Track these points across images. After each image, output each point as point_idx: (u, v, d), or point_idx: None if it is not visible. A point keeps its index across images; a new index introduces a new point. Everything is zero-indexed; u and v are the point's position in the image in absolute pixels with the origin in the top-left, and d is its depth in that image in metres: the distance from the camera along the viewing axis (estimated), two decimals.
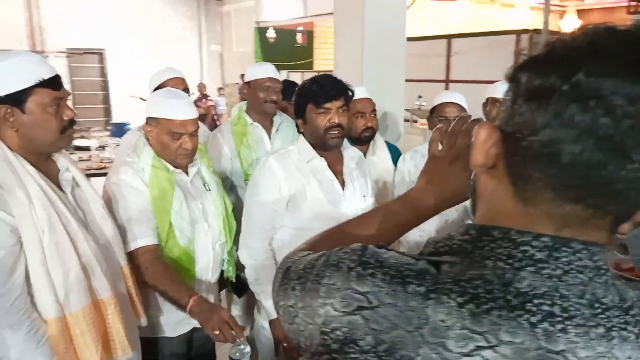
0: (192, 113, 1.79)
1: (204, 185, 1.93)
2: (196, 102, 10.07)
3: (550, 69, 0.49)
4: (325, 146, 1.81)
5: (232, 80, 13.56)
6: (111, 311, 1.44)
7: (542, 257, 0.51)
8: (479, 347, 0.49)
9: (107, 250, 1.51)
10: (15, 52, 1.31)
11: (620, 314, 0.51)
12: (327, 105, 1.75)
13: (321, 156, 1.82)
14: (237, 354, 1.48)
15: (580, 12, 13.29)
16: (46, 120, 1.32)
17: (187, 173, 1.87)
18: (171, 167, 1.80)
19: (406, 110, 5.89)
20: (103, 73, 13.00)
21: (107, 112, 12.99)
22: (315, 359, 0.57)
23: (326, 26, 11.66)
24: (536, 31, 6.93)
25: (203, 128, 2.67)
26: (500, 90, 2.59)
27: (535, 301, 0.50)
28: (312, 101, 1.76)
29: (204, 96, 11.22)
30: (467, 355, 0.49)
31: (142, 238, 1.68)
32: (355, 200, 1.87)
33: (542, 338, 0.49)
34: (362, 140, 2.41)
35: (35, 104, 1.29)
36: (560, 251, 0.51)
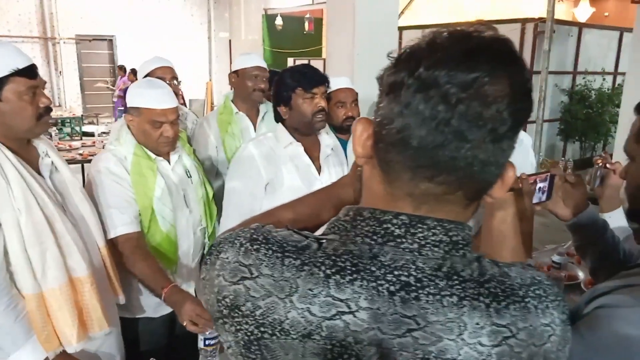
0: (172, 102, 1.85)
1: (186, 173, 2.00)
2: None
3: (400, 66, 0.56)
4: (312, 130, 1.88)
5: None
6: (87, 289, 1.53)
7: (400, 233, 0.58)
8: (341, 312, 0.55)
9: (85, 231, 1.59)
10: None
11: (475, 286, 0.57)
12: (315, 90, 1.82)
13: (298, 142, 1.88)
14: (202, 344, 1.53)
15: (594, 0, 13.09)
16: (22, 107, 1.39)
17: (169, 161, 1.95)
18: (153, 155, 1.87)
19: None
20: (112, 60, 13.12)
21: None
22: (215, 325, 0.65)
23: None
24: (541, 20, 6.86)
25: (192, 116, 2.75)
26: None
27: (396, 272, 0.56)
28: (301, 86, 1.82)
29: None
30: (329, 319, 0.55)
31: (122, 226, 1.76)
32: None
33: (398, 304, 0.55)
34: (344, 129, 2.47)
35: (11, 92, 1.37)
36: (416, 227, 0.58)
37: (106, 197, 1.76)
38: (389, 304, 0.55)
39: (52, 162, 1.58)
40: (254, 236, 0.63)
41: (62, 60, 12.24)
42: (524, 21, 7.14)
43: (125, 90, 9.22)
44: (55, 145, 5.36)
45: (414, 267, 0.57)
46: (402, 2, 10.57)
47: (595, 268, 1.29)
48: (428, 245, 0.58)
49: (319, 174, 1.93)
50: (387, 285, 0.56)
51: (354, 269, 0.57)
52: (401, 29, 8.90)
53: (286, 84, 1.85)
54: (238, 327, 0.59)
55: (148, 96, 1.81)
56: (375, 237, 0.59)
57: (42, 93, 1.45)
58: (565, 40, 7.44)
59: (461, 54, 0.54)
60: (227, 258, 0.63)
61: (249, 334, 0.58)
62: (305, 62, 10.21)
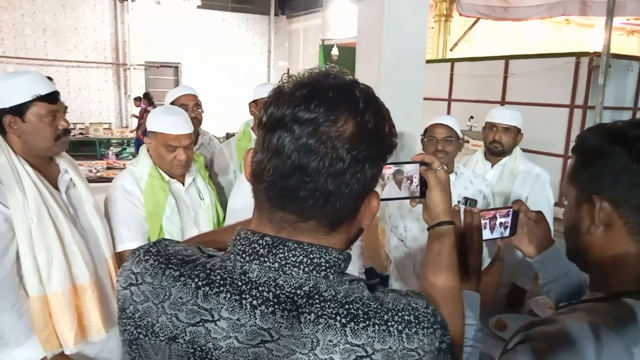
0: (187, 128, 2.00)
1: (199, 195, 2.13)
2: None
3: (264, 106, 0.65)
4: None
5: None
6: (89, 296, 1.67)
7: (264, 252, 0.65)
8: (204, 320, 0.63)
9: (93, 242, 1.75)
10: (21, 72, 1.59)
11: (335, 306, 0.62)
12: None
13: None
14: None
15: None
16: (42, 128, 1.58)
17: (183, 182, 2.09)
18: (167, 177, 2.02)
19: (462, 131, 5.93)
20: (177, 85, 13.87)
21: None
22: None
23: None
24: (596, 54, 6.65)
25: (216, 141, 2.91)
26: (498, 115, 2.62)
27: (260, 288, 0.63)
28: None
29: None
30: (193, 325, 0.63)
31: (129, 242, 1.89)
32: None
33: (258, 317, 0.62)
34: None
35: (33, 115, 1.56)
36: (277, 248, 0.64)
37: (117, 213, 1.91)
38: (249, 316, 0.62)
39: (71, 179, 1.75)
40: (150, 248, 0.72)
41: (131, 85, 13.10)
42: (578, 55, 6.94)
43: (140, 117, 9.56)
44: (113, 163, 5.76)
45: (274, 284, 0.63)
46: (457, 33, 10.56)
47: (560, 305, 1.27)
48: (288, 265, 0.64)
49: None
50: (250, 299, 0.63)
51: (222, 282, 0.64)
52: (453, 60, 8.92)
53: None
54: (123, 328, 0.68)
55: (165, 121, 1.97)
56: (244, 255, 0.66)
57: (61, 116, 1.64)
58: (624, 75, 7.14)
59: (307, 96, 0.62)
60: (125, 266, 0.72)
61: (129, 334, 0.67)
62: None
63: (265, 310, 0.62)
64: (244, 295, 0.63)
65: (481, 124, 6.10)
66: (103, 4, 12.75)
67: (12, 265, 1.53)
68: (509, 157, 2.64)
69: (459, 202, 2.42)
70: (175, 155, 1.97)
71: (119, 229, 1.90)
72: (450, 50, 10.17)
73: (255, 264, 0.65)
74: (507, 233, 1.26)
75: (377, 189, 1.04)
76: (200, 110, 2.59)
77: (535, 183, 2.59)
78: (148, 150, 2.05)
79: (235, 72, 13.91)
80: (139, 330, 0.66)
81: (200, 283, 0.64)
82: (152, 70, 13.46)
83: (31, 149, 1.61)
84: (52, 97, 1.60)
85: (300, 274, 0.64)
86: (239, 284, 0.64)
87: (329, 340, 0.60)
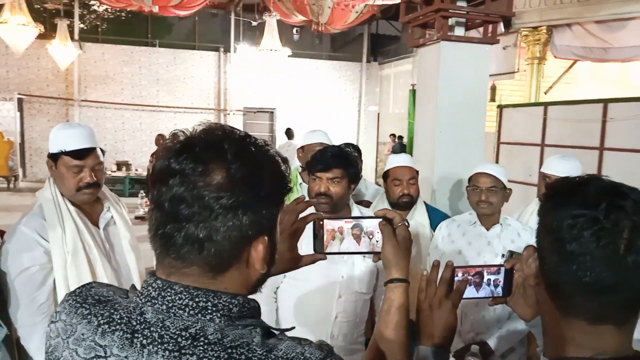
0: None
1: None
2: None
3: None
4: (316, 209, 1.96)
5: (385, 139, 14.05)
6: None
7: (155, 295, 0.69)
8: (98, 356, 0.68)
9: (125, 277, 1.89)
10: (73, 125, 1.79)
11: (218, 349, 0.64)
12: (319, 174, 1.92)
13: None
14: None
15: None
16: (66, 178, 1.75)
17: None
18: None
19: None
20: (272, 129, 14.61)
21: None
22: None
23: None
24: None
25: None
26: (553, 166, 2.45)
27: (152, 329, 0.67)
28: (309, 169, 1.96)
29: None
30: None
31: None
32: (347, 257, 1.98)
33: (145, 356, 0.66)
34: (400, 206, 2.50)
35: (62, 165, 1.75)
36: (166, 291, 0.68)
37: None
38: (138, 355, 0.66)
39: (112, 217, 1.93)
40: (78, 290, 0.79)
41: None
42: None
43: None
44: None
45: (161, 325, 0.67)
46: (554, 75, 10.06)
47: None
48: (174, 308, 0.68)
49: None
50: (142, 338, 0.67)
51: (120, 321, 0.69)
52: (546, 104, 8.48)
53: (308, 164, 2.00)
54: None
55: None
56: (141, 297, 0.71)
57: (87, 172, 1.76)
58: None
59: (178, 150, 0.68)
60: (58, 306, 0.79)
61: None
62: None
63: (152, 350, 0.66)
64: (136, 335, 0.67)
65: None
66: (209, 56, 13.95)
67: (49, 294, 1.71)
68: None
69: (503, 254, 2.28)
70: None
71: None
72: (545, 93, 9.67)
73: (148, 305, 0.69)
74: (499, 292, 1.18)
75: (335, 241, 1.05)
76: None
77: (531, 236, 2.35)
78: None
79: (327, 117, 14.35)
80: None
81: (102, 321, 0.70)
82: (249, 115, 14.33)
83: (64, 192, 1.79)
84: (76, 154, 1.74)
85: (186, 317, 0.67)
86: (134, 323, 0.68)
87: None
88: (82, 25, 12.78)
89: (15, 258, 1.68)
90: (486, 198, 2.24)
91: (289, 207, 1.10)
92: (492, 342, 2.15)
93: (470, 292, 1.11)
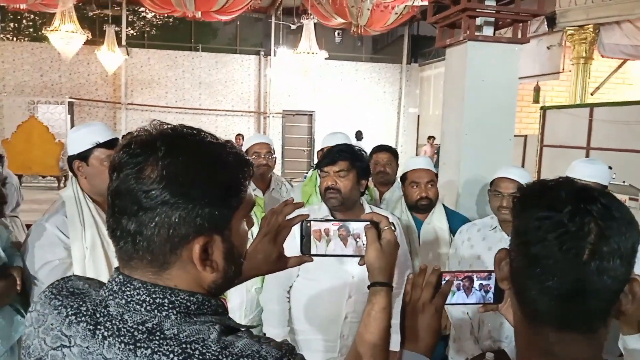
0: None
1: (251, 235, 2.27)
2: None
3: None
4: (328, 204, 1.98)
5: (424, 141, 13.88)
6: None
7: (116, 289, 0.72)
8: (62, 345, 0.71)
9: None
10: (87, 124, 1.88)
11: (173, 344, 0.66)
12: (326, 169, 1.93)
13: (332, 215, 1.97)
14: None
15: None
16: (102, 171, 1.83)
17: None
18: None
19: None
20: (311, 132, 14.68)
21: (310, 166, 14.54)
22: None
23: (523, 92, 11.14)
24: None
25: (285, 186, 3.03)
26: (578, 169, 2.33)
27: (114, 321, 0.69)
28: (317, 166, 1.98)
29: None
30: (54, 349, 0.71)
31: None
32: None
33: (105, 347, 0.68)
34: (419, 209, 2.47)
35: (95, 159, 1.82)
36: (126, 286, 0.71)
37: None
38: (99, 346, 0.69)
39: None
40: (56, 282, 0.82)
41: (270, 131, 14.20)
42: None
43: None
44: None
45: (120, 318, 0.69)
46: (602, 75, 9.66)
47: None
48: (133, 303, 0.70)
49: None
50: (103, 330, 0.69)
51: (86, 313, 0.72)
52: (592, 105, 8.15)
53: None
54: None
55: None
56: (106, 291, 0.73)
57: None
58: None
59: (122, 146, 0.72)
60: (37, 296, 0.83)
61: (22, 356, 0.78)
62: None
63: (111, 342, 0.68)
64: (98, 327, 0.69)
65: (621, 175, 5.45)
66: (249, 59, 14.19)
67: None
68: None
69: None
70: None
71: None
72: (591, 94, 9.29)
73: (111, 299, 0.72)
74: (490, 299, 1.15)
75: (322, 243, 1.06)
76: (272, 157, 2.76)
77: None
78: None
79: (366, 119, 14.31)
80: (24, 352, 0.77)
81: (70, 312, 0.73)
82: (288, 118, 14.46)
83: (94, 188, 1.88)
84: (110, 144, 1.84)
85: (144, 312, 0.69)
86: (98, 316, 0.71)
87: None
88: (129, 32, 13.27)
89: (37, 252, 1.77)
90: (508, 204, 2.17)
91: (276, 208, 1.12)
92: (509, 350, 2.09)
93: (460, 297, 1.08)
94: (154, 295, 0.69)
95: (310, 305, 1.98)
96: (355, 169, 1.94)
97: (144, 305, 0.69)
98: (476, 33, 3.08)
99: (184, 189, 0.68)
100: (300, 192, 2.69)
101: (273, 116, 14.25)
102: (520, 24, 3.16)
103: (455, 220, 2.53)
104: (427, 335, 0.99)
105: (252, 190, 2.52)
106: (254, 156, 2.74)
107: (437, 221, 2.49)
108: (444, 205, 2.60)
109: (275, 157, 2.81)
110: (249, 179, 0.77)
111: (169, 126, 0.74)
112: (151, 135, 0.71)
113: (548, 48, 9.53)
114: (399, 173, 2.81)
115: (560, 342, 0.71)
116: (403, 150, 14.16)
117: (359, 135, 10.81)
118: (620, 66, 9.58)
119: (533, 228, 0.70)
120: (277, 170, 14.30)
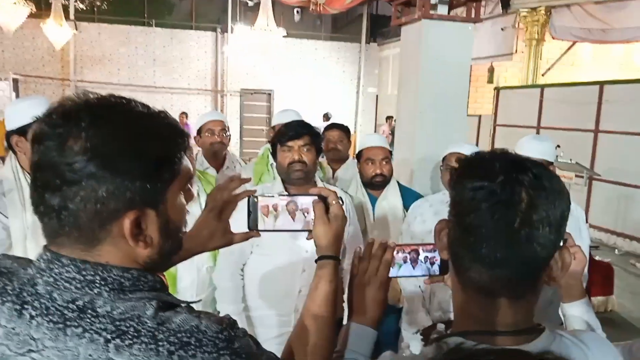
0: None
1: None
2: None
3: None
4: (290, 180, 1.97)
5: (383, 121, 14.00)
6: None
7: (43, 267, 0.68)
8: (31, 350, 0.65)
9: None
10: (28, 97, 1.80)
11: (105, 322, 0.63)
12: (290, 143, 1.93)
13: (287, 190, 1.97)
14: None
15: None
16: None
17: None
18: None
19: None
20: (269, 111, 14.53)
21: None
22: None
23: (478, 73, 11.36)
24: None
25: (239, 164, 2.99)
26: (526, 146, 2.36)
27: (41, 300, 0.66)
28: (279, 141, 1.96)
29: None
30: (22, 355, 0.65)
31: None
32: None
33: (33, 327, 0.65)
34: (374, 185, 2.49)
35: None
36: (54, 263, 0.67)
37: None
38: (27, 325, 0.65)
39: None
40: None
41: (228, 110, 13.96)
42: None
43: None
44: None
45: (49, 296, 0.66)
46: (553, 56, 9.95)
47: None
48: (62, 280, 0.66)
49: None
50: (31, 309, 0.66)
51: (12, 292, 0.67)
52: (543, 86, 8.40)
53: (273, 140, 2.00)
54: None
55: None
56: (33, 268, 0.69)
57: None
58: None
59: (43, 116, 0.67)
60: None
61: None
62: None
63: (40, 321, 0.65)
64: (25, 306, 0.66)
65: (569, 153, 5.64)
66: (206, 36, 13.83)
67: None
68: None
69: None
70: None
71: None
72: (542, 75, 9.58)
73: (38, 277, 0.68)
74: (436, 270, 1.17)
75: (270, 218, 1.04)
76: (226, 134, 2.71)
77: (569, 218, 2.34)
78: None
79: (325, 98, 14.27)
80: None
81: (17, 306, 0.67)
82: (246, 96, 14.25)
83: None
84: None
85: (74, 290, 0.66)
86: (25, 295, 0.67)
87: (89, 355, 0.62)
88: (77, 5, 12.64)
89: None
90: None
91: (222, 184, 1.10)
92: None
93: (406, 269, 1.10)
94: (84, 272, 0.66)
95: (264, 281, 1.98)
96: (316, 144, 1.98)
97: (74, 282, 0.66)
98: (431, 12, 3.10)
99: (110, 161, 0.64)
100: (252, 170, 2.66)
101: (231, 95, 14.01)
102: (474, 3, 3.20)
103: (409, 197, 2.56)
104: (374, 308, 1.00)
105: (205, 168, 2.48)
106: (207, 134, 2.68)
107: (391, 198, 2.52)
108: (398, 182, 2.63)
109: (230, 135, 2.76)
110: (185, 150, 0.74)
111: (96, 95, 0.69)
112: (75, 105, 0.67)
113: (502, 29, 9.73)
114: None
115: (488, 308, 0.74)
116: (362, 130, 14.25)
117: (326, 117, 10.83)
118: (569, 48, 9.90)
119: (468, 198, 0.72)
120: (236, 149, 14.13)
